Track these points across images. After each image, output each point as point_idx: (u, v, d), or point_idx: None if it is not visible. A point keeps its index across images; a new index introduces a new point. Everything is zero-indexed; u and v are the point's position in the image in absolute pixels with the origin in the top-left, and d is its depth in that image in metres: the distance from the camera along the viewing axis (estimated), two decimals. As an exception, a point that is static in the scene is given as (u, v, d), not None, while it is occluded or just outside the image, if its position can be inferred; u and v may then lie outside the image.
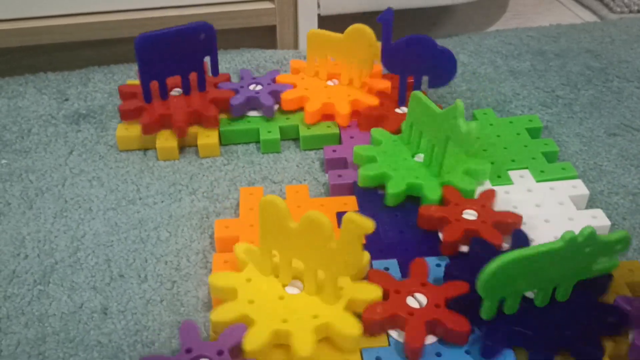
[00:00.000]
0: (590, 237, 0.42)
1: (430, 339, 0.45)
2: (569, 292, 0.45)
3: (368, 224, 0.42)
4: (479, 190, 0.57)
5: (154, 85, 0.66)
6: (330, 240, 0.43)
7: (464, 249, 0.52)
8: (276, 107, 0.69)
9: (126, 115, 0.66)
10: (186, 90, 0.68)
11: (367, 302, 0.45)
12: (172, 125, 0.65)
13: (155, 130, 0.65)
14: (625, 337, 0.45)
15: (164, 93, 0.67)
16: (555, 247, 0.42)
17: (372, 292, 0.46)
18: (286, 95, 0.68)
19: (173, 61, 0.65)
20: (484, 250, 0.49)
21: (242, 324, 0.44)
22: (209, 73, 0.72)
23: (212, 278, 0.47)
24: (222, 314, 0.45)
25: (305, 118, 0.67)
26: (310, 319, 0.44)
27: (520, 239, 0.51)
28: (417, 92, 0.58)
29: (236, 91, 0.69)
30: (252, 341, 0.42)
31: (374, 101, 0.67)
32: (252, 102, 0.68)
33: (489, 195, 0.55)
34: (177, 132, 0.65)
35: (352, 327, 0.44)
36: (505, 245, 0.51)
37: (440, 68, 0.65)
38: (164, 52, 0.64)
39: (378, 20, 0.65)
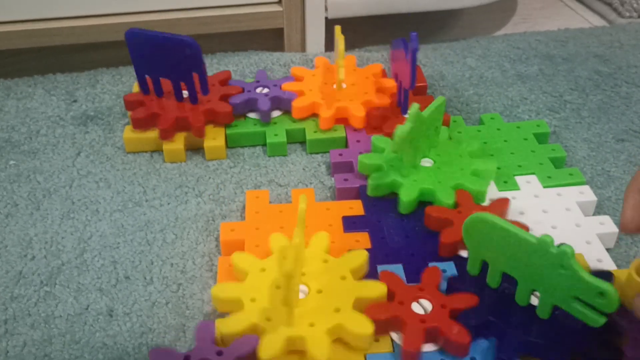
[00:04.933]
0: (562, 255, 0.40)
1: (430, 347, 0.45)
2: (547, 311, 0.44)
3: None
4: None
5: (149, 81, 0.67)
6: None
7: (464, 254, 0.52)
8: (278, 113, 0.69)
9: (138, 124, 0.66)
10: (178, 97, 0.67)
11: (372, 300, 0.46)
12: (157, 126, 0.65)
13: (172, 135, 0.65)
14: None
15: (159, 90, 0.67)
16: (526, 237, 0.42)
17: (376, 289, 0.47)
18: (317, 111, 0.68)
19: (163, 64, 0.65)
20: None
21: (255, 335, 0.44)
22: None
23: (215, 290, 0.47)
24: (232, 325, 0.45)
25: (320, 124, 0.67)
26: (330, 316, 0.45)
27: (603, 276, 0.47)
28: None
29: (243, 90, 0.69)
30: (267, 349, 0.42)
31: (385, 101, 0.68)
32: (250, 104, 0.68)
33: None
34: (161, 134, 0.65)
35: (363, 327, 0.44)
36: None
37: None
38: (154, 52, 0.64)
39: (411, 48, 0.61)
